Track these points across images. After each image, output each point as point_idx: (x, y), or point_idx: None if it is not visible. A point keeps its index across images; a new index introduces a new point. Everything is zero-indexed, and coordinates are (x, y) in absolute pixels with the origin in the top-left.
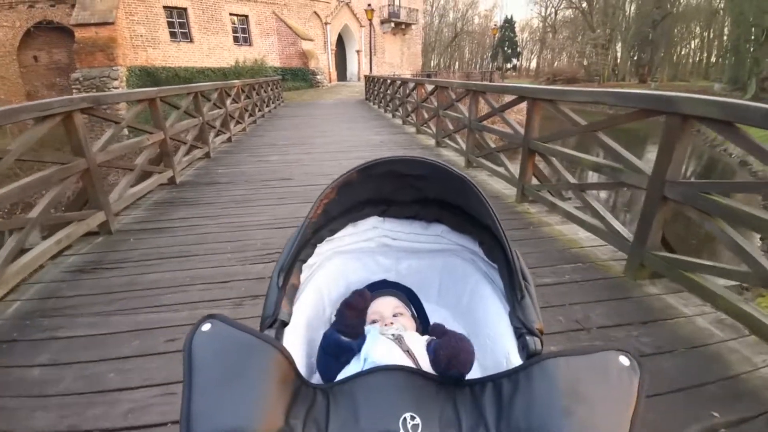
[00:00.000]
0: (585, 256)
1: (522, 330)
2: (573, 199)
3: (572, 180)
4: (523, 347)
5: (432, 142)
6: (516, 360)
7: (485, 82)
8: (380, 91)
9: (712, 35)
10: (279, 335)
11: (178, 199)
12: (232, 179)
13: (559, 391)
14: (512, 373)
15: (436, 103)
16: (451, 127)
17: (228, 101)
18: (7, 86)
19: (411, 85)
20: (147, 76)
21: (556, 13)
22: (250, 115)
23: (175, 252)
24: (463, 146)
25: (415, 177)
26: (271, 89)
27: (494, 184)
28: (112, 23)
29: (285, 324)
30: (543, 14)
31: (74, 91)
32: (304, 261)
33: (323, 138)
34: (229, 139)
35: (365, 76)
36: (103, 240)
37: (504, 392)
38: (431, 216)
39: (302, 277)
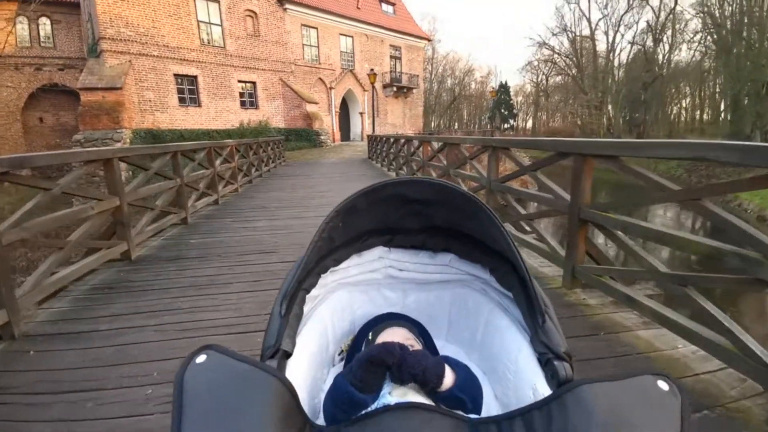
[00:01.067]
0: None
1: (548, 355)
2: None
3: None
4: (552, 375)
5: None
6: (545, 390)
7: (506, 137)
8: (383, 149)
9: (704, 93)
10: (281, 366)
11: (123, 283)
12: (203, 252)
13: (599, 420)
14: (543, 404)
15: (445, 162)
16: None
17: (218, 161)
18: (9, 146)
19: (416, 143)
20: (152, 138)
21: (547, 80)
22: (245, 175)
23: (74, 382)
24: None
25: (422, 202)
26: (272, 149)
27: (528, 260)
28: (120, 88)
29: (288, 355)
30: (535, 81)
31: None
32: (308, 291)
33: (319, 199)
34: (216, 201)
35: (368, 136)
36: None
37: (536, 426)
38: (439, 245)
39: (305, 308)
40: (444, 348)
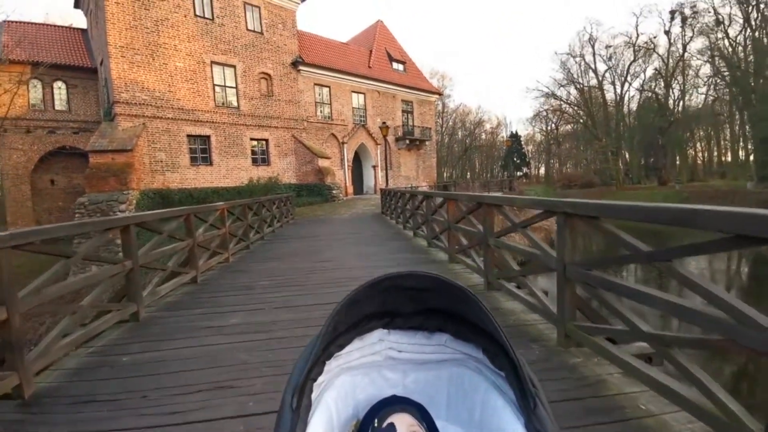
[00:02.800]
0: None
1: None
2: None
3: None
4: None
5: (444, 256)
6: None
7: (498, 194)
8: (397, 204)
9: (721, 135)
10: None
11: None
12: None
13: None
14: None
15: (446, 216)
16: (464, 241)
17: (200, 230)
18: (15, 208)
19: (438, 200)
20: (161, 198)
21: (557, 128)
22: (240, 241)
23: None
24: (480, 264)
25: (418, 290)
26: (278, 207)
27: (524, 315)
28: (131, 150)
29: None
30: (545, 129)
31: (76, 215)
32: (315, 380)
33: (322, 273)
34: (193, 279)
35: (381, 189)
36: None
37: None
38: (434, 325)
39: (312, 396)
40: (445, 428)
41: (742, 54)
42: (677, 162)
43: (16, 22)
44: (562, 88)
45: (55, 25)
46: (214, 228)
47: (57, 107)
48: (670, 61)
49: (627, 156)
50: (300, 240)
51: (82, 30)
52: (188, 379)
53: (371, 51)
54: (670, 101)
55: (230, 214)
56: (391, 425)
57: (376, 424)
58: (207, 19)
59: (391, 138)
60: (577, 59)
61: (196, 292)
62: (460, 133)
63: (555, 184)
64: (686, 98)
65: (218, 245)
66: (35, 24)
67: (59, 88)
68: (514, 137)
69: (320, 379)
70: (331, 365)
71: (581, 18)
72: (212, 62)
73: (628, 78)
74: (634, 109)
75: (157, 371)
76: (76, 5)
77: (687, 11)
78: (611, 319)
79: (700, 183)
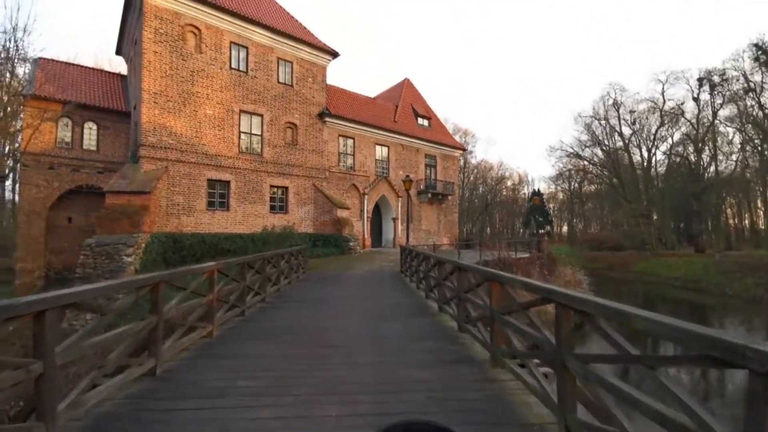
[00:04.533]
0: None
1: None
2: None
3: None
4: None
5: (454, 324)
6: None
7: (502, 273)
8: (419, 268)
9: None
10: None
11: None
12: None
13: None
14: None
15: (456, 284)
16: (473, 313)
17: (173, 302)
18: (27, 245)
19: (473, 279)
20: (172, 242)
21: (580, 187)
22: (233, 307)
23: None
24: (488, 338)
25: None
26: (287, 261)
27: (525, 396)
28: (149, 192)
29: None
30: (568, 188)
31: (81, 257)
32: None
33: (322, 369)
34: (151, 371)
35: (400, 246)
36: None
37: None
38: None
39: None
40: None
41: None
42: (709, 228)
43: (53, 60)
44: (587, 149)
45: (95, 68)
46: (198, 296)
47: (85, 146)
48: (700, 127)
49: (656, 219)
50: (305, 306)
51: (123, 76)
52: None
53: (397, 106)
54: (701, 166)
55: (223, 275)
56: None
57: None
58: (241, 71)
59: (413, 191)
60: (602, 122)
61: (147, 395)
62: (481, 188)
63: (581, 244)
64: (718, 164)
65: (200, 317)
66: (74, 65)
67: (90, 128)
68: (537, 195)
69: None
70: None
71: (603, 80)
72: (241, 111)
73: (656, 142)
74: (662, 172)
75: None
76: (118, 52)
77: (716, 78)
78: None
79: (738, 252)
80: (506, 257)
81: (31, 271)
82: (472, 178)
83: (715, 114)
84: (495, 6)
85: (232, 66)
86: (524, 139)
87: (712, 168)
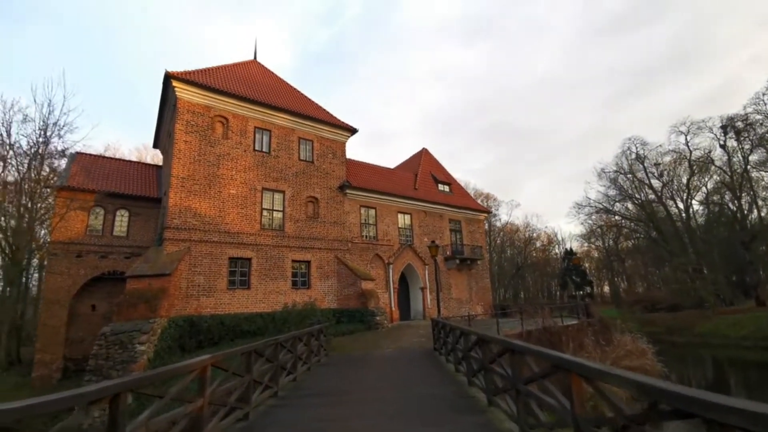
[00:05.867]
0: None
1: None
2: None
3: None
4: None
5: (483, 397)
6: None
7: (525, 344)
8: (455, 345)
9: None
10: None
11: None
12: None
13: None
14: None
15: (510, 371)
16: (500, 384)
17: (139, 419)
18: (48, 334)
19: (472, 338)
20: (190, 326)
21: (616, 244)
22: (232, 410)
23: None
24: (515, 410)
25: None
26: (305, 343)
27: (506, 422)
28: (170, 275)
29: None
30: (603, 246)
31: (95, 347)
32: None
33: None
34: None
35: (432, 320)
36: None
37: None
38: None
39: None
40: None
41: None
42: (762, 278)
43: (90, 154)
44: (616, 203)
45: (130, 161)
46: (186, 401)
47: (115, 233)
48: (734, 174)
49: (707, 273)
50: (323, 402)
51: (158, 167)
52: None
53: (416, 174)
54: (744, 213)
55: (221, 371)
56: None
57: None
58: (264, 152)
59: (439, 258)
60: (629, 176)
61: None
62: (509, 251)
63: (630, 306)
64: (759, 210)
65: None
66: (111, 158)
67: (122, 215)
68: (570, 254)
69: None
70: None
71: (617, 136)
72: (263, 188)
73: (691, 192)
74: (702, 222)
75: None
76: (155, 145)
77: (739, 124)
78: None
79: None
80: (551, 326)
81: (49, 363)
82: (499, 242)
83: (746, 159)
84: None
85: (256, 148)
86: (548, 199)
87: (755, 214)
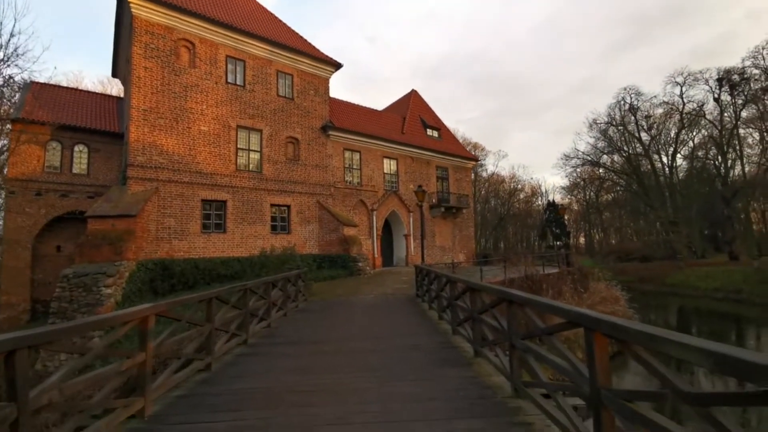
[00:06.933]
0: None
1: None
2: None
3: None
4: None
5: (501, 379)
6: None
7: (528, 295)
8: (439, 292)
9: None
10: None
11: None
12: None
13: None
14: None
15: (505, 324)
16: (490, 336)
17: (57, 376)
18: (11, 276)
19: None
20: (162, 269)
21: (597, 197)
22: (188, 363)
23: None
24: (506, 365)
25: None
26: (280, 288)
27: (494, 376)
28: (135, 216)
29: None
30: (584, 198)
31: (58, 289)
32: None
33: None
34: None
35: (415, 266)
36: None
37: None
38: None
39: None
40: None
41: None
42: (746, 235)
43: (47, 84)
44: (604, 156)
45: (88, 91)
46: (132, 356)
47: (75, 171)
48: (723, 129)
49: (682, 227)
50: (294, 352)
51: (119, 98)
52: None
53: (405, 117)
54: (728, 169)
55: (174, 322)
56: None
57: None
58: (238, 86)
59: (425, 206)
60: (619, 128)
61: None
62: (493, 202)
63: (605, 256)
64: (744, 166)
65: (114, 390)
66: (69, 88)
67: (80, 151)
68: (552, 206)
69: None
70: None
71: (608, 94)
72: (238, 126)
73: (677, 147)
74: (682, 177)
75: None
76: (114, 74)
77: (735, 77)
78: None
79: None
80: (533, 274)
81: (15, 305)
82: (483, 192)
83: (737, 115)
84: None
85: (228, 80)
86: (535, 151)
87: (737, 171)
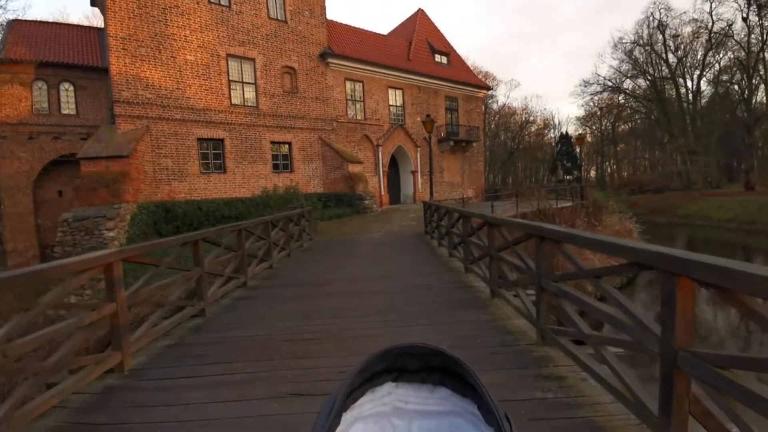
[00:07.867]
0: None
1: None
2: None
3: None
4: None
5: (484, 287)
6: None
7: (567, 230)
8: (450, 230)
9: None
10: None
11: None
12: None
13: None
14: None
15: (462, 230)
16: (475, 253)
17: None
18: (15, 223)
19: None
20: (164, 211)
21: (613, 128)
22: (172, 315)
23: None
24: (487, 274)
25: (423, 355)
26: (281, 228)
27: (515, 320)
28: (127, 156)
29: None
30: (599, 129)
31: (59, 234)
32: (334, 430)
33: None
34: None
35: (423, 202)
36: None
37: None
38: (436, 381)
39: None
40: None
41: None
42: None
43: (29, 21)
44: (627, 81)
45: (70, 24)
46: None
47: (63, 111)
48: (750, 52)
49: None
50: (297, 296)
51: (100, 29)
52: None
53: (411, 42)
54: (751, 94)
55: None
56: None
57: None
58: (223, 6)
59: (433, 140)
60: (646, 48)
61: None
62: (503, 136)
63: (618, 189)
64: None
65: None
66: (51, 23)
67: (66, 89)
68: (565, 138)
69: (338, 429)
70: (347, 416)
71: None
72: (228, 55)
73: (704, 70)
74: (705, 104)
75: None
76: (93, 3)
77: None
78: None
79: None
80: (547, 208)
81: (23, 251)
82: (493, 126)
83: (764, 37)
84: None
85: (211, 0)
86: (551, 81)
87: (760, 97)
